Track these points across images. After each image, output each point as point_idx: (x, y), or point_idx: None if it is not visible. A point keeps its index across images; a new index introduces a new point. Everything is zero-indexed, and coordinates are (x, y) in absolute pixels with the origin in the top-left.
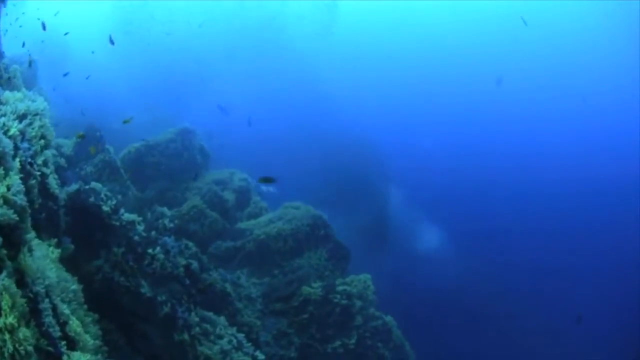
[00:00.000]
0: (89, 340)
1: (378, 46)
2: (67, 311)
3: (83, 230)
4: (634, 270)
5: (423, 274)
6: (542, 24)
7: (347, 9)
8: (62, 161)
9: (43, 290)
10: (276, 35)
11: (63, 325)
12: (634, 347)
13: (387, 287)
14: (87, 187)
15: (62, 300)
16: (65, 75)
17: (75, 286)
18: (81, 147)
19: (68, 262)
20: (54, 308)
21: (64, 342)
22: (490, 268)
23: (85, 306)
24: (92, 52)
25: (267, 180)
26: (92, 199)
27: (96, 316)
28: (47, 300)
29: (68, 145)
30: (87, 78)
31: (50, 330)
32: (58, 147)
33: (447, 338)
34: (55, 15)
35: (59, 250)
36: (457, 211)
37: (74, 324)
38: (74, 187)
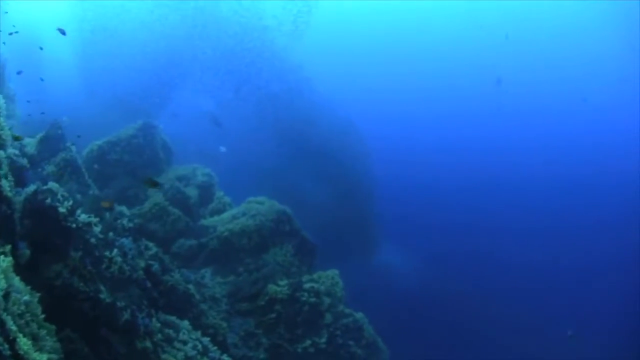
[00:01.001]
0: (40, 357)
1: (357, 41)
2: (14, 327)
3: (42, 234)
4: (634, 270)
5: (399, 271)
6: (542, 24)
7: (329, 7)
8: (25, 161)
9: None
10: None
11: (12, 342)
12: (633, 352)
13: (360, 283)
14: (44, 187)
15: (13, 314)
16: (18, 73)
17: (28, 297)
18: (45, 146)
19: (27, 268)
20: (2, 324)
21: None
22: (486, 266)
23: (42, 316)
24: (41, 48)
25: (154, 184)
26: (48, 200)
27: (53, 327)
28: None
29: (31, 144)
30: (41, 79)
31: (0, 349)
32: (21, 147)
33: (422, 334)
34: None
35: (11, 259)
36: (448, 207)
37: (22, 342)
38: (31, 188)
